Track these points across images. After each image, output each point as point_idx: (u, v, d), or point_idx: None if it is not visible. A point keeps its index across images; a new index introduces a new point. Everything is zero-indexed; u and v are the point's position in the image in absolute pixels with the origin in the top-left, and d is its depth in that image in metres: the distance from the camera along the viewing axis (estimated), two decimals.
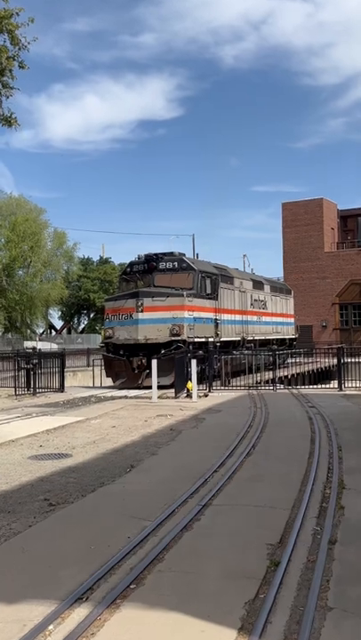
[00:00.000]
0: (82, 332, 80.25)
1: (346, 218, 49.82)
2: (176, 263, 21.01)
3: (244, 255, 75.00)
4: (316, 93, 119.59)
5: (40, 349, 27.46)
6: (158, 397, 17.66)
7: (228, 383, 21.09)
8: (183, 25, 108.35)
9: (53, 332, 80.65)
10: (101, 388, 24.02)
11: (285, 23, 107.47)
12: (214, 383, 20.26)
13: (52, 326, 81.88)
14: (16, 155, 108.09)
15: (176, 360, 17.65)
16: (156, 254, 21.31)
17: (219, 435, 11.07)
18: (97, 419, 13.74)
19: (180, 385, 17.60)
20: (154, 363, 17.13)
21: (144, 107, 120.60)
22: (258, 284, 28.19)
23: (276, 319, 30.11)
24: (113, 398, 18.36)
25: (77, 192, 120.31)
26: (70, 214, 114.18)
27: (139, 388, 19.27)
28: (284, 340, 30.95)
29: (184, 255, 22.26)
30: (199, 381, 18.95)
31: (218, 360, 21.04)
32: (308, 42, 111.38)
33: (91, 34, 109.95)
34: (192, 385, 17.00)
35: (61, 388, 20.31)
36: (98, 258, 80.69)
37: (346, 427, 11.38)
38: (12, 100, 16.06)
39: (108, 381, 30.39)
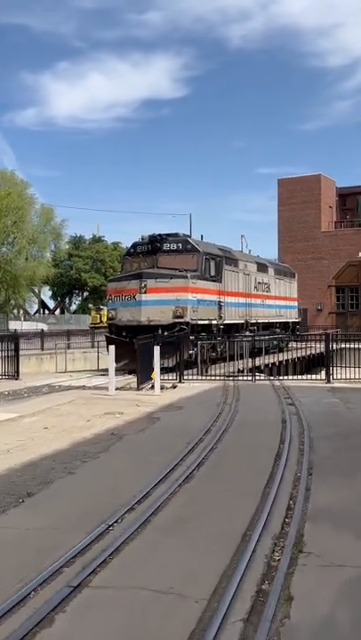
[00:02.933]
0: (75, 312, 77.98)
1: (345, 196, 47.31)
2: (180, 244, 20.39)
3: (242, 236, 72.47)
4: (323, 75, 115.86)
5: None
6: (119, 388, 15.50)
7: (206, 372, 18.88)
8: (190, 3, 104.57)
9: (47, 312, 78.37)
10: (67, 373, 21.88)
11: (294, 3, 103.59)
12: (190, 371, 18.11)
13: (45, 306, 79.68)
14: (19, 133, 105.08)
15: (139, 346, 15.39)
16: (160, 235, 20.62)
17: (166, 443, 8.85)
18: (33, 416, 11.52)
19: (143, 375, 15.36)
20: (111, 349, 14.90)
21: (149, 86, 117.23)
22: (262, 267, 27.30)
23: (280, 302, 29.30)
24: (69, 388, 16.20)
25: (78, 171, 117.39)
26: (70, 193, 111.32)
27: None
28: (287, 323, 30.11)
29: (189, 236, 21.57)
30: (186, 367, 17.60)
31: (194, 345, 19.01)
32: (316, 22, 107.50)
33: (97, 11, 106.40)
34: (155, 376, 14.75)
35: (16, 375, 18.14)
36: (90, 236, 77.82)
37: (325, 435, 9.15)
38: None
39: (83, 365, 28.40)
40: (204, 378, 17.74)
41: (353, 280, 41.23)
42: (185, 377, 17.35)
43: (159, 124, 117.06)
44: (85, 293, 78.52)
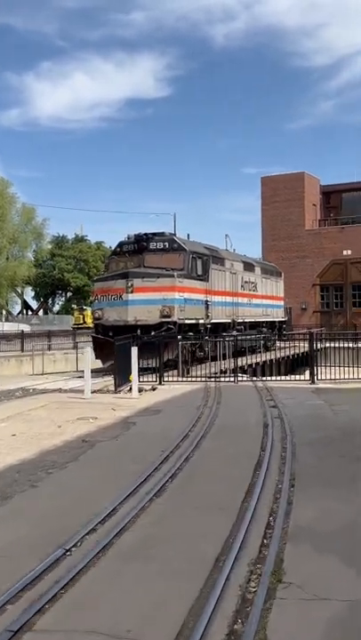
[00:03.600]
0: (58, 313, 77.07)
1: (329, 194, 46.89)
2: (167, 243, 20.21)
3: (226, 235, 71.91)
4: (307, 74, 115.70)
5: None
6: (97, 391, 14.92)
7: (188, 373, 18.34)
8: (174, 3, 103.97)
9: (30, 313, 77.36)
10: (44, 375, 21.28)
11: (278, 2, 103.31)
12: (172, 372, 17.56)
13: (28, 307, 78.72)
14: (2, 133, 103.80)
15: (117, 347, 14.81)
16: (146, 234, 20.44)
17: (140, 451, 8.30)
18: (1, 422, 10.91)
19: (121, 377, 14.79)
20: (87, 350, 14.31)
21: (133, 86, 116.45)
22: (249, 266, 27.18)
23: (267, 301, 29.16)
24: (44, 391, 15.58)
25: (62, 171, 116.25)
26: (55, 193, 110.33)
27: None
28: (274, 322, 29.99)
29: (175, 235, 21.43)
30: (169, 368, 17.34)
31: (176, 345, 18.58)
32: (300, 22, 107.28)
33: (81, 11, 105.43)
34: (133, 378, 14.18)
35: None
36: (73, 236, 76.86)
37: (309, 440, 8.63)
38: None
39: (64, 366, 27.76)
40: (185, 379, 17.18)
41: (337, 278, 40.85)
42: (165, 378, 16.81)
43: (144, 123, 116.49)
44: (69, 294, 77.71)
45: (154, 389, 15.26)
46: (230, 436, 9.07)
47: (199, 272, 20.90)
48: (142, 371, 16.98)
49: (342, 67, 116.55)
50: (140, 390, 14.69)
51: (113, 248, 25.71)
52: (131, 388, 14.60)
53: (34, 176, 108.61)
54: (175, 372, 17.89)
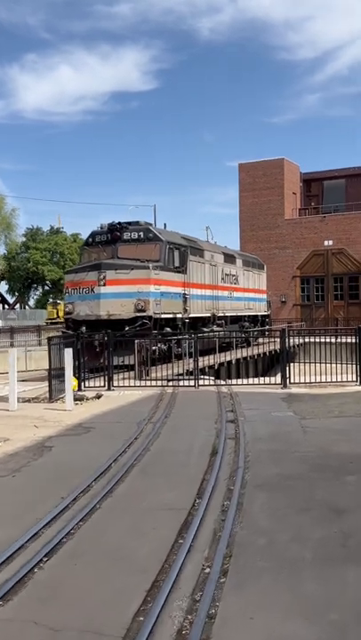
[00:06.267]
0: (35, 307, 74.68)
1: (310, 182, 44.74)
2: (142, 233, 19.23)
3: (207, 227, 69.67)
4: (292, 68, 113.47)
5: None
6: (32, 399, 12.74)
7: (147, 374, 16.12)
8: None
9: (6, 308, 74.76)
10: None
11: None
12: (128, 375, 15.34)
13: (5, 301, 76.17)
14: None
15: (52, 348, 12.52)
16: (120, 223, 19.43)
17: (31, 498, 6.07)
18: None
19: (58, 383, 12.49)
20: (12, 351, 12.01)
21: (118, 78, 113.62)
22: (229, 258, 25.85)
23: (248, 295, 27.85)
24: None
25: (47, 164, 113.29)
26: (40, 187, 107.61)
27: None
28: (256, 316, 28.67)
29: (150, 224, 20.71)
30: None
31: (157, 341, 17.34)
32: (285, 15, 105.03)
33: (66, 3, 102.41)
34: (67, 385, 11.88)
35: None
36: (48, 228, 74.28)
37: (265, 479, 6.40)
38: None
39: (25, 366, 25.42)
40: (139, 384, 14.92)
41: (318, 270, 38.78)
42: (119, 383, 14.56)
43: (129, 117, 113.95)
44: (45, 287, 75.20)
45: (99, 397, 13.00)
46: (163, 472, 6.82)
47: (176, 264, 19.78)
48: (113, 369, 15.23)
49: (327, 60, 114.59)
50: (82, 399, 12.47)
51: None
52: (74, 396, 12.30)
53: (18, 169, 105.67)
54: (132, 373, 15.75)
